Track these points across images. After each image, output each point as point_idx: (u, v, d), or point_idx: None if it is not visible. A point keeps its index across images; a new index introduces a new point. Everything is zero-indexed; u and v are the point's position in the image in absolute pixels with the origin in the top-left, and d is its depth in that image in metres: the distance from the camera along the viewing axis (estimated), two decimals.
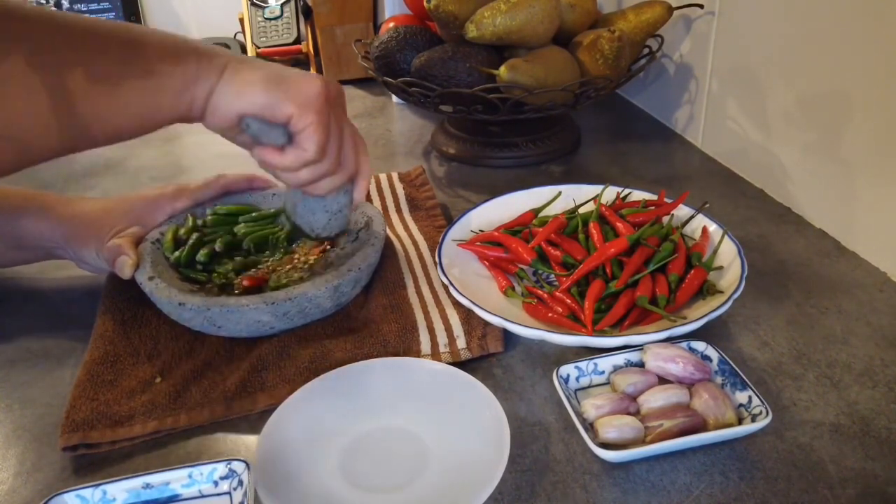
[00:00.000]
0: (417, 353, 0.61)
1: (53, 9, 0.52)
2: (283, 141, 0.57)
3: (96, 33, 0.52)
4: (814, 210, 0.79)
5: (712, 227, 0.71)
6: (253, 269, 0.70)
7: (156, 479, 0.48)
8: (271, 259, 0.71)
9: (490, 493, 0.46)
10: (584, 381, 0.57)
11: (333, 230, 0.67)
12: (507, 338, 0.63)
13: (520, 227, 0.74)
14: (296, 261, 0.72)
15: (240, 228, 0.74)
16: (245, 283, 0.66)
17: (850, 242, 0.75)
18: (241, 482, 0.48)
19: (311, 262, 0.72)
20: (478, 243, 0.72)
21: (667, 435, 0.50)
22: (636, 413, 0.53)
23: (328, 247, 0.74)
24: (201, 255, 0.69)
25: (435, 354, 0.61)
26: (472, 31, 0.87)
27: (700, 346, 0.57)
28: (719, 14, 0.92)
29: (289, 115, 0.55)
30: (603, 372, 0.57)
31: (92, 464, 0.53)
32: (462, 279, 0.66)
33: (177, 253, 0.69)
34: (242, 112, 0.56)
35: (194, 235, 0.71)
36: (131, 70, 0.52)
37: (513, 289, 0.67)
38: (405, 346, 0.62)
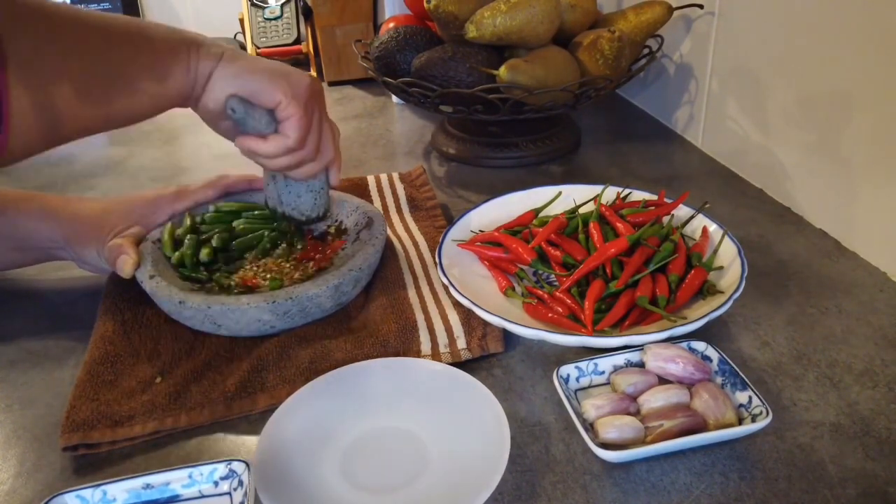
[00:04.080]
0: (417, 354, 0.61)
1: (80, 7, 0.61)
2: (265, 128, 0.61)
3: (108, 28, 0.59)
4: (814, 210, 0.79)
5: (712, 227, 0.71)
6: (252, 271, 0.70)
7: (156, 479, 0.48)
8: (269, 259, 0.71)
9: (490, 493, 0.46)
10: (585, 381, 0.57)
11: (321, 209, 0.71)
12: (508, 338, 0.63)
13: (520, 227, 0.74)
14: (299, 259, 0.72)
15: (239, 223, 0.74)
16: (252, 281, 0.67)
17: (850, 242, 0.75)
18: (241, 482, 0.48)
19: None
20: (478, 243, 0.72)
21: (667, 435, 0.50)
22: (636, 413, 0.53)
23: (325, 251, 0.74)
24: (203, 254, 0.69)
25: (435, 354, 0.61)
26: (472, 31, 0.87)
27: (700, 346, 0.57)
28: (719, 14, 0.92)
29: (277, 102, 0.60)
30: (603, 372, 0.57)
31: (92, 464, 0.53)
32: (462, 279, 0.66)
33: (177, 253, 0.69)
34: (234, 94, 0.60)
35: (190, 237, 0.70)
36: (143, 61, 0.59)
37: (513, 289, 0.67)
38: (405, 346, 0.62)
